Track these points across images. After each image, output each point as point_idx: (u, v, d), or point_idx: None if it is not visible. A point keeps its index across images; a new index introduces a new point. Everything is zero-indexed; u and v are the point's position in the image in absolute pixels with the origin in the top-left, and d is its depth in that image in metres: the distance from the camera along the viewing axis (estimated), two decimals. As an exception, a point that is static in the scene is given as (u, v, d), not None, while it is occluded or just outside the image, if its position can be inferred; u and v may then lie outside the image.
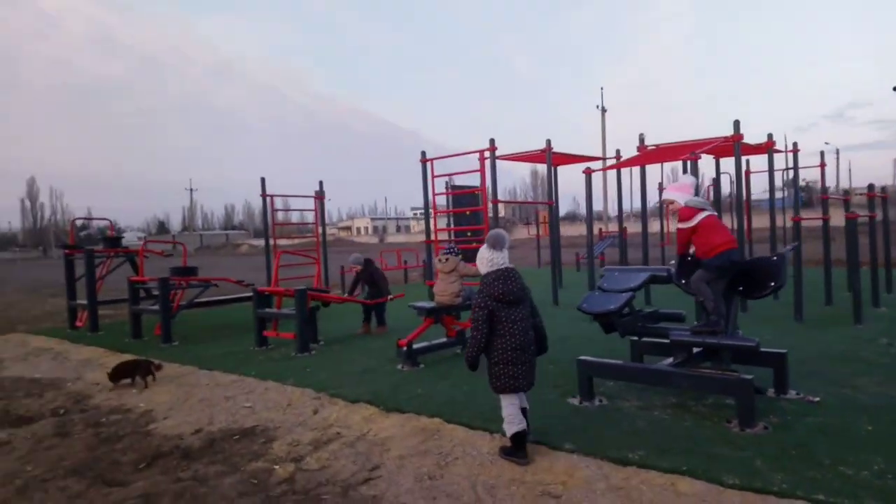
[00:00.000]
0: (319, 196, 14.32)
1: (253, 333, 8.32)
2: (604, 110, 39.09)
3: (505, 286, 3.84)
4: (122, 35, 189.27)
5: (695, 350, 4.59)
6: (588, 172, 8.89)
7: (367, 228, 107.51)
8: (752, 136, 9.56)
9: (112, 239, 10.53)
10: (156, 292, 9.76)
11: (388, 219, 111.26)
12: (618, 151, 12.73)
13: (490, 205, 9.74)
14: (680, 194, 4.71)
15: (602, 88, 39.59)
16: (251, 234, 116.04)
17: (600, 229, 20.12)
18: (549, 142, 10.61)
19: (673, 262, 4.89)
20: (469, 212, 19.22)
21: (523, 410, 3.91)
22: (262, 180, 13.35)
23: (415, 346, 6.32)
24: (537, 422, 4.39)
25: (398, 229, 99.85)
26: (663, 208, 12.79)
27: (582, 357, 4.71)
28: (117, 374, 6.34)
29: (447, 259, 6.61)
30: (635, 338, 5.00)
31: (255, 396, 5.68)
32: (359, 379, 6.04)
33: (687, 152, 8.42)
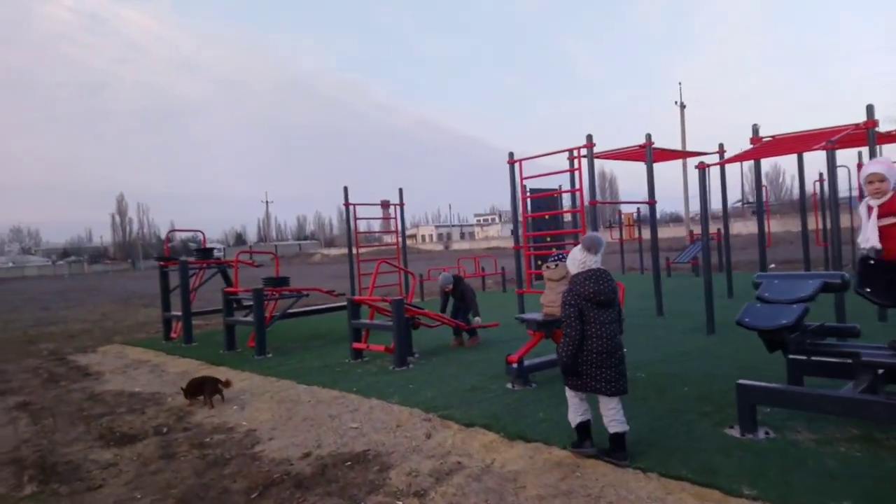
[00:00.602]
0: (399, 203, 14.06)
1: (343, 345, 8.03)
2: (683, 106, 37.39)
3: (597, 286, 3.82)
4: (200, 58, 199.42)
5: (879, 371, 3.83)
6: (702, 167, 8.10)
7: (431, 236, 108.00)
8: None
9: (205, 250, 10.59)
10: (248, 303, 9.70)
11: (452, 226, 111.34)
12: (721, 146, 11.79)
13: (587, 207, 9.08)
14: (892, 174, 3.80)
15: (680, 84, 37.36)
16: (322, 243, 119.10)
17: (690, 231, 18.93)
18: (649, 136, 9.86)
19: (849, 265, 4.12)
20: (548, 216, 18.58)
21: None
22: (345, 189, 13.23)
23: (525, 362, 5.79)
24: (694, 457, 3.76)
25: (462, 236, 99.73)
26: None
27: (742, 381, 4.02)
28: (191, 391, 6.17)
29: (556, 266, 6.03)
30: (802, 357, 4.26)
31: (360, 416, 5.31)
32: (468, 398, 5.56)
33: (816, 142, 7.51)
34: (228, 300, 8.90)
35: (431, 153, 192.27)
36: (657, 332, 8.50)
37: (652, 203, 10.02)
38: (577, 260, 3.98)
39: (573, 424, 3.96)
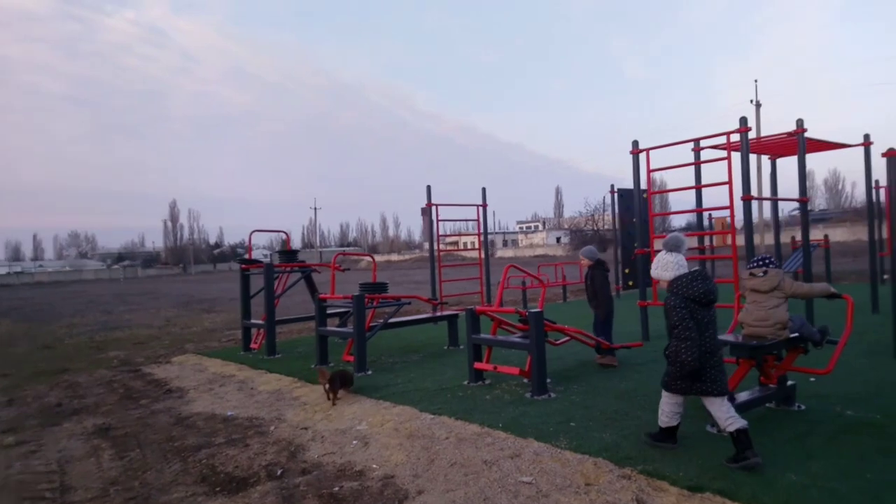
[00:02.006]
0: (483, 204, 12.88)
1: (445, 361, 6.94)
2: (758, 104, 35.22)
3: (706, 285, 3.85)
4: (250, 66, 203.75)
5: None
6: (891, 154, 6.68)
7: (473, 243, 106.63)
8: None
9: (289, 253, 9.62)
10: (335, 311, 8.68)
11: (495, 233, 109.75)
12: (867, 136, 10.22)
13: (741, 203, 7.70)
14: None
15: (756, 81, 35.14)
16: (365, 250, 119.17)
17: (792, 238, 17.14)
18: (800, 122, 8.43)
19: None
20: (635, 220, 17.11)
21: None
22: (428, 189, 12.16)
23: (737, 398, 4.49)
24: None
25: (505, 244, 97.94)
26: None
27: None
28: (333, 382, 6.00)
29: (765, 272, 4.73)
30: None
31: (526, 464, 4.11)
32: (636, 442, 4.28)
33: None
34: (322, 307, 7.86)
35: (472, 159, 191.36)
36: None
37: (804, 200, 8.56)
38: (671, 262, 3.98)
39: (665, 425, 4.04)
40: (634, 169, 9.03)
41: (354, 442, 4.88)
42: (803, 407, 4.93)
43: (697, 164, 8.68)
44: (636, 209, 9.16)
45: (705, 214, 13.38)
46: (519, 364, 6.38)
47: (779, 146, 9.43)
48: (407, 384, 6.64)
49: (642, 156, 8.92)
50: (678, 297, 3.81)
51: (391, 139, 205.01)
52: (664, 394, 4.04)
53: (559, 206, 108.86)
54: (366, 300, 7.46)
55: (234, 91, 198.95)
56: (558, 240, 74.23)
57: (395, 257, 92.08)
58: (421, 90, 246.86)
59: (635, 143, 9.05)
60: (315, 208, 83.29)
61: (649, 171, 8.76)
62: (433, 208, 11.99)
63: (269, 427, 5.46)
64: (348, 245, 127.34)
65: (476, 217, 12.67)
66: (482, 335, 6.46)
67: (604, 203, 68.85)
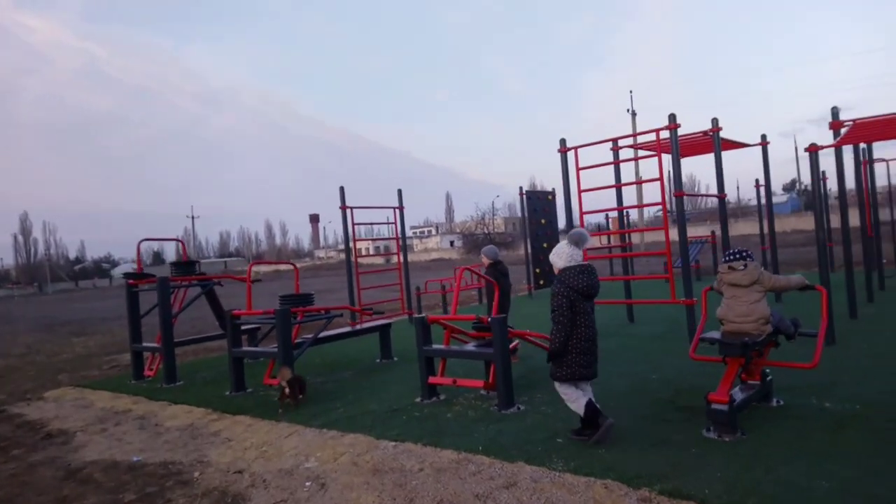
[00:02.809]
0: (400, 206, 12.25)
1: (382, 377, 6.29)
2: (634, 113, 37.44)
3: (589, 279, 4.14)
4: (111, 68, 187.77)
5: None
6: (814, 149, 6.91)
7: (367, 249, 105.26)
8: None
9: (186, 264, 8.36)
10: (247, 327, 7.65)
11: (390, 239, 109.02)
12: (763, 136, 10.79)
13: (674, 199, 7.69)
14: None
15: (631, 91, 37.32)
16: (249, 260, 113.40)
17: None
18: (715, 121, 8.64)
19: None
20: (544, 221, 17.21)
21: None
22: (342, 190, 11.33)
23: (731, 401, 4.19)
24: None
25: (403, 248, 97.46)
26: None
27: None
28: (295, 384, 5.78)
29: (745, 266, 4.52)
30: None
31: (527, 495, 3.52)
32: (674, 459, 3.86)
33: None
34: (236, 325, 6.83)
35: (360, 166, 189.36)
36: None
37: (722, 196, 8.77)
38: (566, 254, 4.21)
39: (580, 409, 4.19)
40: (563, 167, 8.82)
41: (308, 484, 4.06)
42: (782, 402, 4.80)
43: (627, 161, 8.63)
44: (564, 207, 8.96)
45: (601, 214, 13.65)
46: (472, 376, 5.82)
47: (686, 146, 9.63)
48: (349, 407, 5.85)
49: (570, 154, 8.73)
50: (563, 286, 4.12)
51: (272, 145, 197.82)
52: (558, 388, 4.29)
53: (450, 210, 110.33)
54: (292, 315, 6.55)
55: (92, 94, 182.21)
56: (452, 244, 74.92)
57: (283, 267, 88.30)
58: (302, 96, 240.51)
59: (563, 142, 8.85)
60: (192, 216, 77.80)
61: (578, 170, 8.58)
62: (349, 211, 11.16)
63: (193, 473, 4.47)
64: (230, 256, 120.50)
65: (393, 220, 11.98)
66: (435, 346, 5.82)
67: (493, 207, 70.59)
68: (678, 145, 7.66)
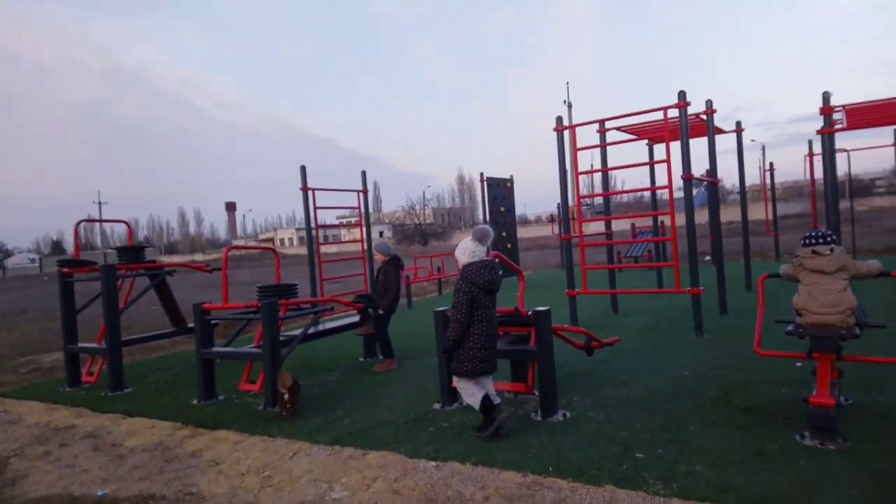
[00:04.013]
0: (364, 190, 11.33)
1: (383, 378, 5.51)
2: (570, 105, 37.86)
3: (490, 275, 4.21)
4: (9, 42, 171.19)
5: None
6: (828, 132, 6.68)
7: (292, 239, 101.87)
8: None
9: (133, 250, 7.11)
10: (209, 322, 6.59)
11: (315, 228, 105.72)
12: (738, 123, 10.68)
13: (683, 182, 7.27)
14: None
15: (567, 83, 37.73)
16: (160, 251, 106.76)
17: (632, 224, 18.15)
18: (709, 102, 8.34)
19: None
20: (503, 209, 16.70)
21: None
22: (303, 169, 10.28)
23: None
24: None
25: (326, 239, 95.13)
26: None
27: None
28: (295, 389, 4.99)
29: (831, 251, 4.06)
30: None
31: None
32: (777, 474, 3.33)
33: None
34: (205, 321, 5.77)
35: (283, 153, 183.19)
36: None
37: (716, 181, 8.49)
38: (469, 249, 4.25)
39: (476, 404, 4.18)
40: (559, 147, 8.24)
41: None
42: (850, 400, 4.41)
43: (625, 142, 8.16)
44: (560, 189, 8.39)
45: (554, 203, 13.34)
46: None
47: (656, 131, 9.31)
48: (355, 417, 5.00)
49: (566, 134, 8.16)
50: (465, 281, 4.14)
51: (187, 129, 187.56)
52: (458, 384, 4.29)
53: (378, 200, 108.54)
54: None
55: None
56: (381, 234, 73.52)
57: (199, 257, 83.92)
58: (220, 78, 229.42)
59: (559, 120, 8.27)
60: (100, 202, 72.10)
61: (575, 150, 8.03)
62: (310, 193, 10.13)
63: (183, 511, 3.52)
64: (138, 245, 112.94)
65: (357, 204, 11.04)
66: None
67: (424, 198, 69.88)
68: (688, 125, 7.25)
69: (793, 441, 3.72)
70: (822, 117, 7.93)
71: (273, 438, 4.65)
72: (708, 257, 18.81)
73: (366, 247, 10.94)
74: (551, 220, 22.11)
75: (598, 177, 9.39)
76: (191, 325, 7.76)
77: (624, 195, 66.07)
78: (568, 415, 4.57)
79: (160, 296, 7.49)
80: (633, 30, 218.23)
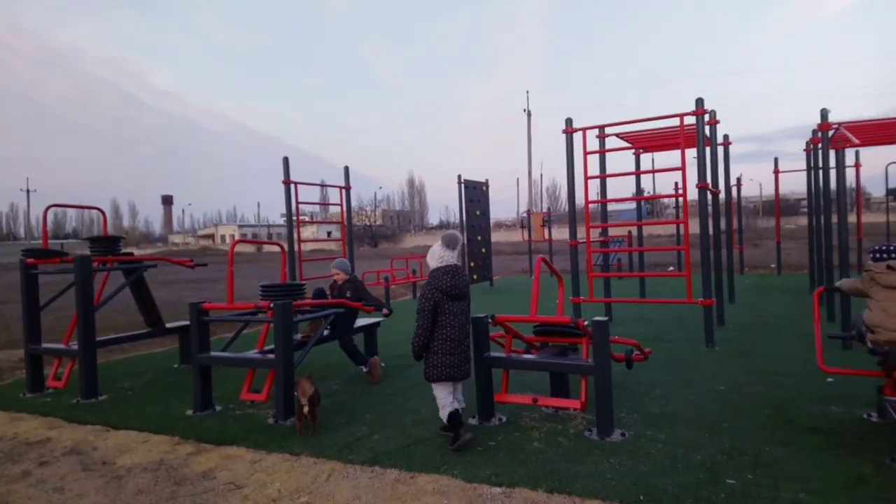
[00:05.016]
0: (347, 186, 10.78)
1: (388, 388, 5.03)
2: (529, 113, 38.10)
3: (453, 280, 4.16)
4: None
5: None
6: (841, 140, 6.68)
7: (233, 237, 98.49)
8: None
9: (107, 240, 6.32)
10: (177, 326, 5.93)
11: (259, 226, 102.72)
12: (726, 137, 10.76)
13: (697, 191, 7.12)
14: None
15: (528, 91, 37.96)
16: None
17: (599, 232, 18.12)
18: (699, 101, 8.27)
19: None
20: (479, 213, 16.39)
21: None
22: (285, 161, 9.64)
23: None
24: None
25: (269, 237, 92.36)
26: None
27: None
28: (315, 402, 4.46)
29: (909, 265, 3.90)
30: None
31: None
32: (853, 499, 3.11)
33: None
34: (203, 322, 5.12)
35: (223, 149, 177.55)
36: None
37: (704, 186, 8.42)
38: (437, 255, 4.25)
39: (444, 417, 4.17)
40: (568, 150, 7.97)
41: None
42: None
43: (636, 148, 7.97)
44: (568, 194, 8.11)
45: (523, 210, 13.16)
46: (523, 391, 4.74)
47: (647, 140, 9.26)
48: (383, 433, 4.50)
49: (577, 136, 7.91)
50: (429, 287, 4.14)
51: (122, 118, 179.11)
52: (434, 388, 4.26)
53: (325, 199, 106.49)
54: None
55: None
56: (329, 234, 72.00)
57: (134, 251, 79.87)
58: (158, 67, 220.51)
59: (569, 122, 8.01)
60: (28, 190, 67.59)
61: (585, 153, 7.79)
62: (292, 186, 9.50)
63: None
64: (66, 237, 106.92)
65: (339, 201, 10.46)
66: (497, 354, 4.66)
67: (375, 199, 69.01)
68: (704, 132, 7.12)
69: (884, 465, 3.51)
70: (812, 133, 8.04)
71: (296, 457, 4.10)
72: (671, 267, 19.16)
73: (346, 247, 10.38)
74: (522, 225, 21.98)
75: (596, 183, 9.14)
76: (169, 325, 7.07)
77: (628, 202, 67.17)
78: (626, 434, 4.23)
79: (135, 292, 6.72)
80: (583, 37, 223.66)
